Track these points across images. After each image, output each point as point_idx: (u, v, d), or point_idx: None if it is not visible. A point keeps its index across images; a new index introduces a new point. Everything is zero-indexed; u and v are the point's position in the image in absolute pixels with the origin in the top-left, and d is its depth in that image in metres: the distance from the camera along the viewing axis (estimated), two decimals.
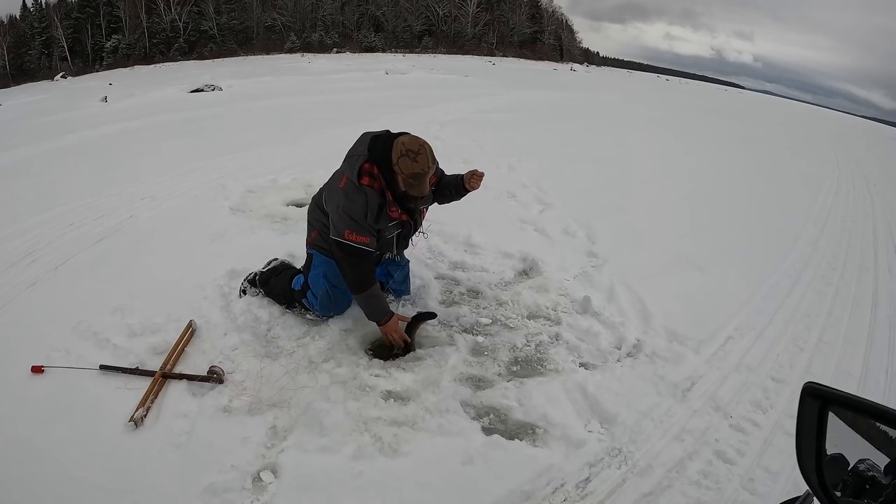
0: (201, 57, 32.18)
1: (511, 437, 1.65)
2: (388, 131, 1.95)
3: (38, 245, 2.82)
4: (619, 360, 2.06)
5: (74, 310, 2.14)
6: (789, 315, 2.61)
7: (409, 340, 2.00)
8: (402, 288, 2.33)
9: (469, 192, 2.15)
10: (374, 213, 1.88)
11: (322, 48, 34.93)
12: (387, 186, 1.89)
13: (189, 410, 1.67)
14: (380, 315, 1.97)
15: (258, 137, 5.65)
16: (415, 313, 2.09)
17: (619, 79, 29.35)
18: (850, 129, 17.76)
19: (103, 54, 33.46)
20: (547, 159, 5.15)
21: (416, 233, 2.15)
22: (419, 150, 1.81)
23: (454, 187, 2.14)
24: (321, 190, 2.10)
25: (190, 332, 2.01)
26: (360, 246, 1.89)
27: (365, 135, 1.95)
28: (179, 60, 31.52)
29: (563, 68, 32.93)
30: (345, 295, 2.07)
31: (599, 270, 2.78)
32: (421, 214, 2.13)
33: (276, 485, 1.46)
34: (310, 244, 2.11)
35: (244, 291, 2.23)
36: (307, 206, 2.22)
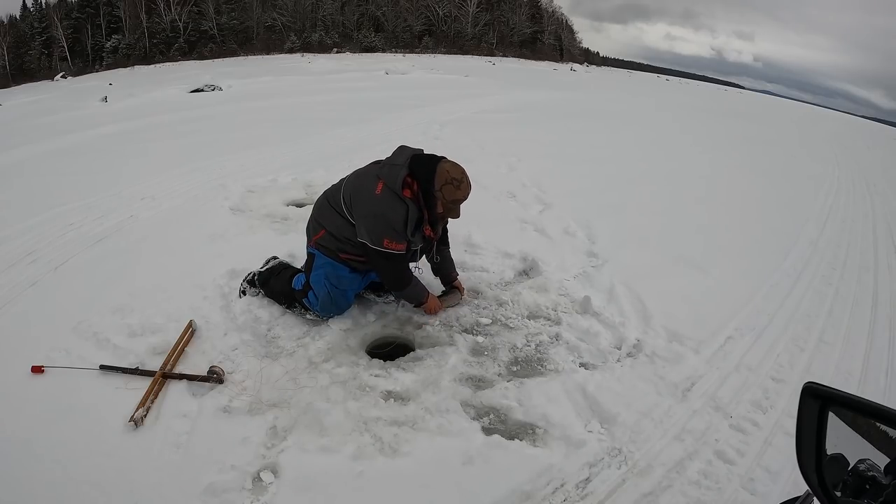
0: (201, 57, 32.13)
1: (511, 437, 1.65)
2: (422, 151, 2.01)
3: (38, 245, 2.82)
4: (619, 360, 2.06)
5: (74, 310, 2.14)
6: (789, 315, 2.61)
7: (443, 307, 2.23)
8: None
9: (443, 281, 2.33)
10: (412, 224, 1.96)
11: (322, 48, 34.88)
12: (423, 206, 1.97)
13: (189, 410, 1.67)
14: (422, 298, 2.15)
15: (258, 137, 5.64)
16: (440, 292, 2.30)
17: (620, 79, 29.31)
18: (849, 129, 17.74)
19: (103, 54, 33.41)
20: (546, 159, 5.15)
21: (431, 252, 2.22)
22: (462, 178, 1.93)
23: (443, 270, 2.31)
24: (337, 190, 2.06)
25: (190, 332, 2.01)
26: (398, 252, 1.96)
27: (403, 149, 2.01)
28: (179, 60, 31.47)
29: (563, 68, 32.88)
30: (345, 296, 2.08)
31: (599, 270, 2.78)
32: (440, 232, 2.18)
33: (276, 485, 1.46)
34: (313, 244, 2.09)
35: (244, 292, 2.23)
36: (309, 206, 2.22)
